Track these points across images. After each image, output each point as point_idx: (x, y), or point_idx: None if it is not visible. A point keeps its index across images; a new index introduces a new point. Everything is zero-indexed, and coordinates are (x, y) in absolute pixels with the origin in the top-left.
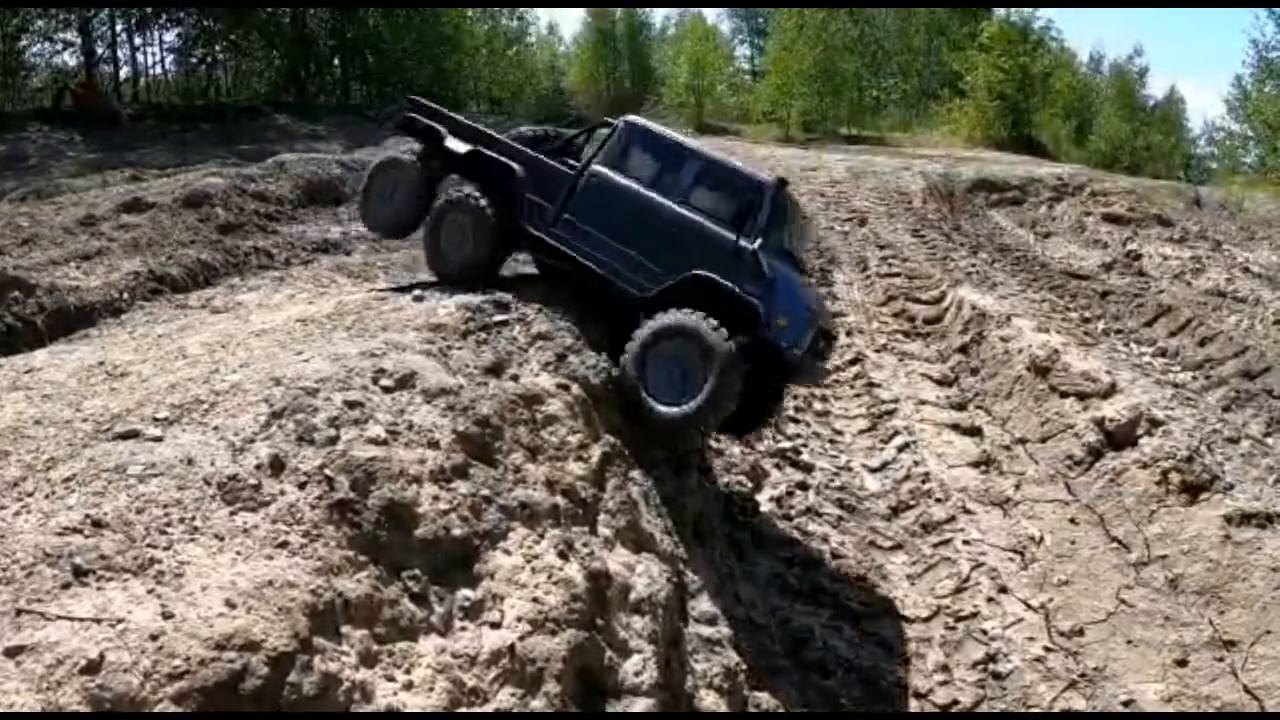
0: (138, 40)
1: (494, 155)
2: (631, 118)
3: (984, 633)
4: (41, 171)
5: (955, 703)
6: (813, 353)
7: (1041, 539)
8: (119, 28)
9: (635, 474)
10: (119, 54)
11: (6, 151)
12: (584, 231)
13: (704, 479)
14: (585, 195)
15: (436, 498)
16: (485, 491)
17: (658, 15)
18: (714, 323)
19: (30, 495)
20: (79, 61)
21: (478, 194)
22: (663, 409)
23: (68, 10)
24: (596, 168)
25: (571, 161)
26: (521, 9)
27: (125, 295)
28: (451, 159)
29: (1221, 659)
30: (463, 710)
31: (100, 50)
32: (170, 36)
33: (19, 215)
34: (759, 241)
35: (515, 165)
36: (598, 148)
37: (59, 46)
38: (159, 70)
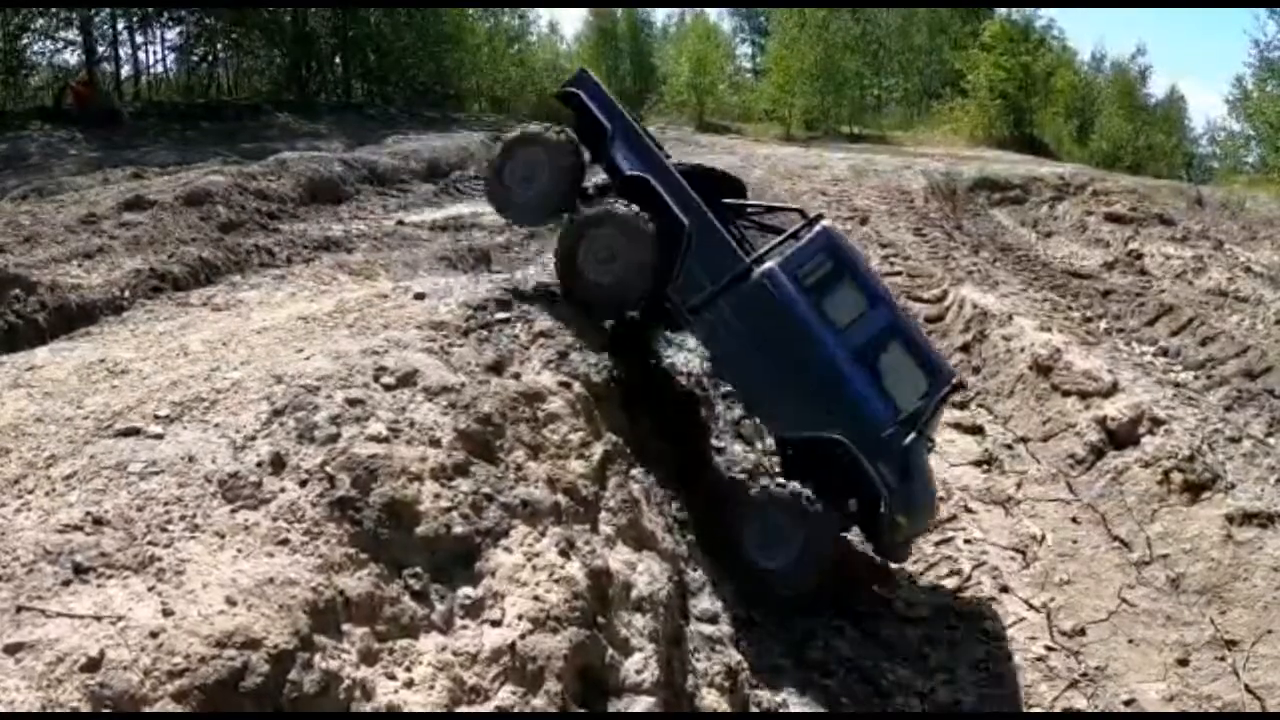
0: (139, 39)
1: (666, 197)
2: (831, 227)
3: (985, 632)
4: (43, 170)
5: (957, 702)
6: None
7: (1043, 538)
8: (120, 26)
9: (636, 472)
10: (120, 52)
11: (8, 150)
12: (734, 334)
13: (705, 477)
14: (750, 295)
15: (438, 495)
16: (486, 489)
17: (658, 14)
18: (822, 508)
19: (31, 493)
20: (80, 60)
21: (646, 215)
22: (760, 566)
23: (68, 9)
24: (773, 269)
25: (743, 225)
26: (522, 8)
27: (126, 293)
28: (614, 171)
29: (1223, 658)
30: (463, 709)
31: (101, 49)
32: (171, 35)
33: (20, 213)
34: (912, 436)
35: (688, 221)
36: (779, 241)
37: (60, 45)
38: (160, 69)
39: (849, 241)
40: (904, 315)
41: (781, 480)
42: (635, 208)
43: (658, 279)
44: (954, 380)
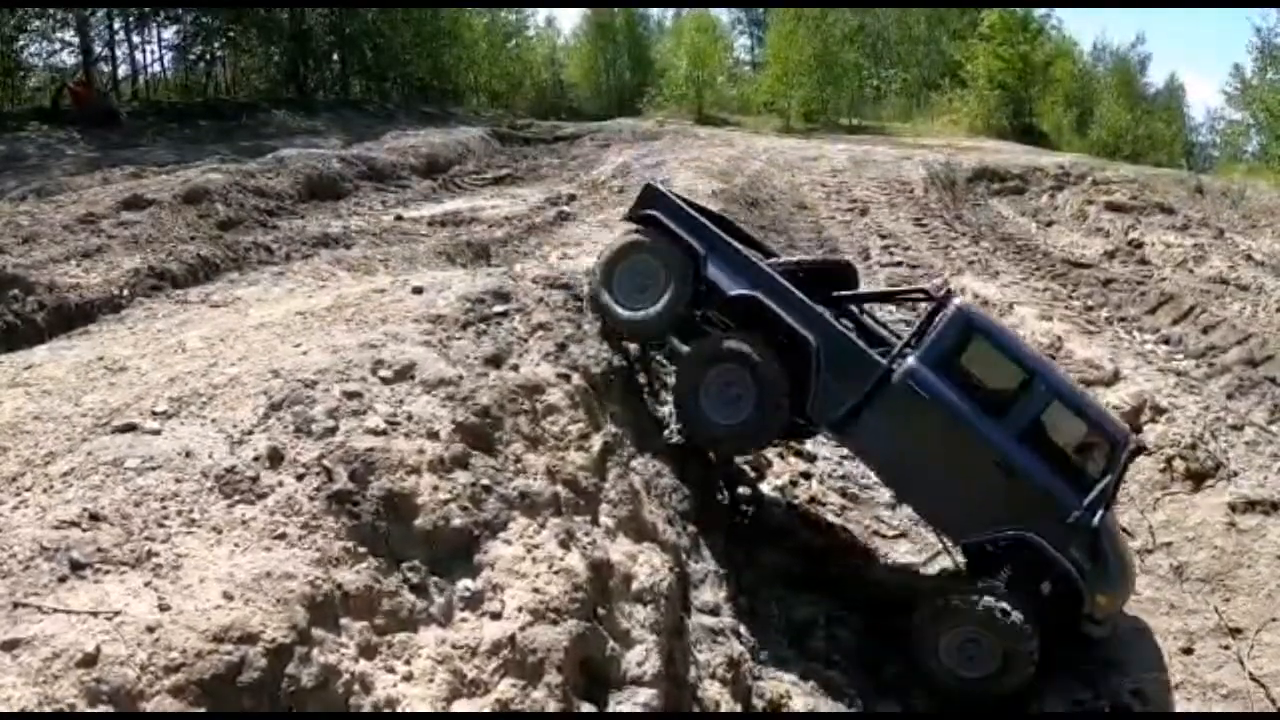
0: (136, 38)
1: (783, 314)
2: (966, 305)
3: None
4: (41, 170)
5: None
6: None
7: None
8: (117, 26)
9: (637, 463)
10: (117, 52)
11: (6, 151)
12: (886, 441)
13: (706, 468)
14: (895, 398)
15: (436, 488)
16: (485, 481)
17: (654, 9)
18: (1019, 619)
19: (28, 490)
20: (77, 60)
21: (766, 350)
22: (958, 680)
23: (65, 9)
24: (915, 365)
25: (873, 326)
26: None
27: (125, 292)
28: (716, 292)
29: (1227, 646)
30: (462, 702)
31: (98, 49)
32: (168, 34)
33: (19, 214)
34: (1101, 514)
35: (812, 337)
36: (915, 333)
37: (57, 46)
38: (157, 68)
39: (987, 313)
40: (1067, 381)
41: (973, 597)
42: (752, 345)
43: (793, 408)
44: (1132, 444)
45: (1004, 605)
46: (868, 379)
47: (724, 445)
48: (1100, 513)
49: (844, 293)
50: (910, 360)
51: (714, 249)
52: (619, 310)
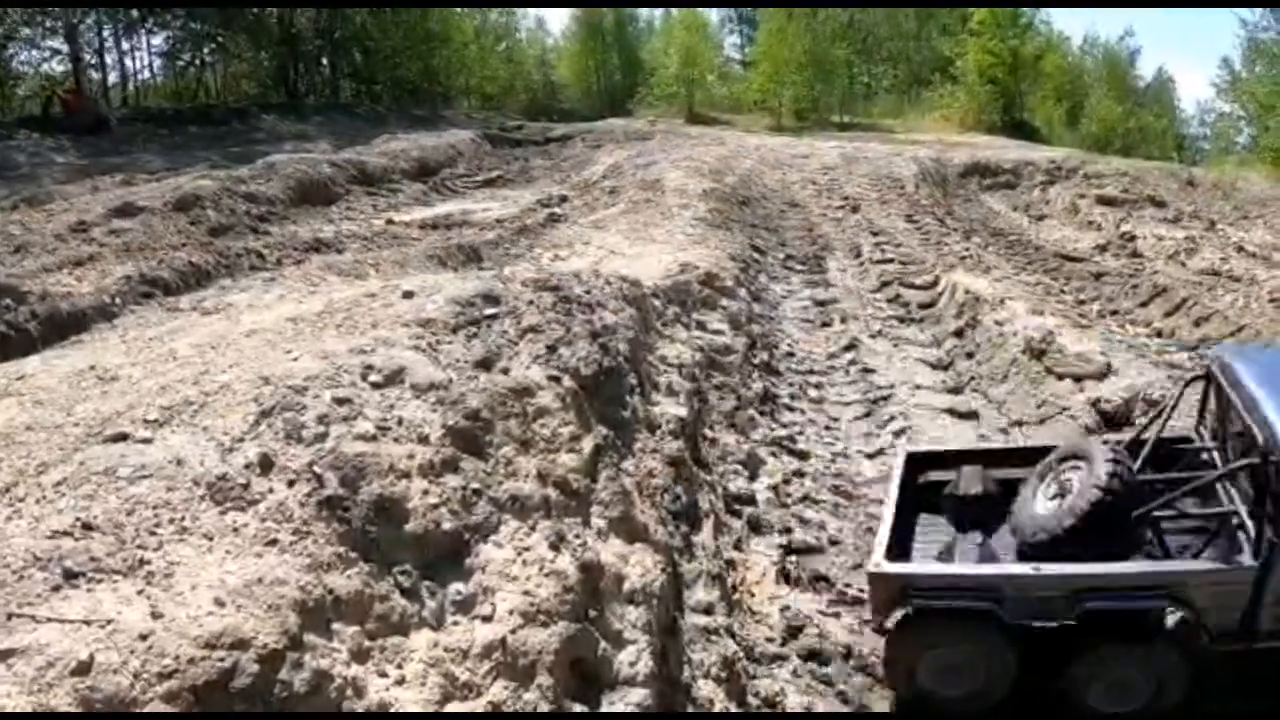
0: (125, 45)
1: (1116, 608)
2: None
3: None
4: (32, 179)
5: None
6: None
7: None
8: (106, 33)
9: (628, 464)
10: (106, 59)
11: None
12: None
13: (699, 468)
14: None
15: (426, 492)
16: (475, 485)
17: (643, 10)
18: None
19: (21, 500)
20: (66, 68)
21: (1135, 649)
22: None
23: (53, 17)
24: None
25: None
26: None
27: (117, 300)
28: (1040, 631)
29: None
30: (455, 705)
31: (88, 56)
32: (158, 40)
33: (10, 223)
34: None
35: (1164, 607)
36: (1255, 511)
37: (46, 53)
38: (147, 74)
39: None
40: None
41: None
42: (1124, 661)
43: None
44: None
45: None
46: (1245, 586)
47: None
48: None
49: (1142, 511)
50: (1270, 538)
51: (1001, 593)
52: (950, 701)
